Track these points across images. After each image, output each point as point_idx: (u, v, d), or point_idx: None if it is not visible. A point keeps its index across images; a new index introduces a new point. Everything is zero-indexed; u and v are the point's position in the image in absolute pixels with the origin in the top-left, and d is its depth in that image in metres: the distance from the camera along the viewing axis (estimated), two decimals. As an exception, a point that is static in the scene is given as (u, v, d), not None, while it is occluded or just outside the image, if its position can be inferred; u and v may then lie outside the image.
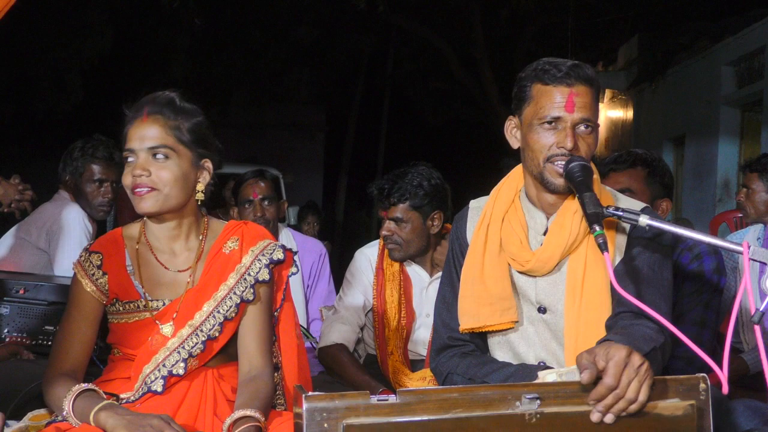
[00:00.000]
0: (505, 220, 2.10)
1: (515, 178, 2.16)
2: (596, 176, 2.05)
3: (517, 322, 2.08)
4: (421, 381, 2.94)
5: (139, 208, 2.01)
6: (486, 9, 12.59)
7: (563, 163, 1.96)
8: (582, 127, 1.99)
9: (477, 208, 2.20)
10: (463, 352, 2.13)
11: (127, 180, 2.01)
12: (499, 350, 2.11)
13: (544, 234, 2.07)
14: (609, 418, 1.56)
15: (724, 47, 9.20)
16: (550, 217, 2.07)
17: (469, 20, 12.73)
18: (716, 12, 10.15)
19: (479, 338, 2.14)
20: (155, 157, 1.99)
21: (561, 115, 1.97)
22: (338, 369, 3.01)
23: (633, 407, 1.56)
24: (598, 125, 2.04)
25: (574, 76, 1.98)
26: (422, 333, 3.06)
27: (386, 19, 12.93)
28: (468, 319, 2.09)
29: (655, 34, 11.25)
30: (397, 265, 3.15)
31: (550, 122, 1.98)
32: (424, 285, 3.13)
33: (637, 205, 2.09)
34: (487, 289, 2.07)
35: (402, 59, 15.96)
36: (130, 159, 2.01)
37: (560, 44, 11.93)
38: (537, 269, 2.04)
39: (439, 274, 2.77)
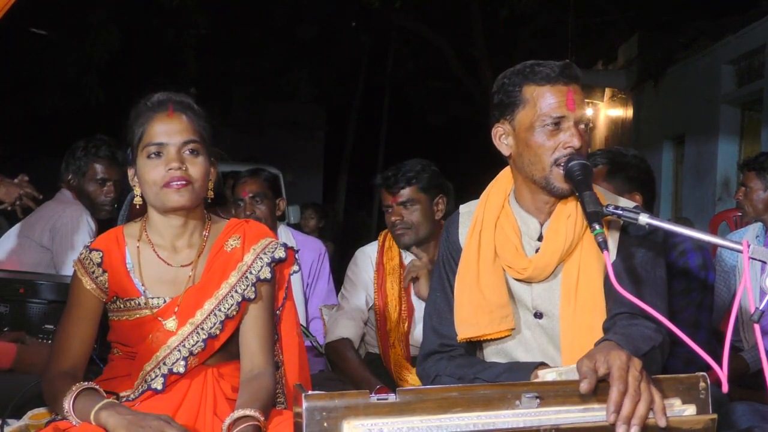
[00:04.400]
0: (497, 226, 2.07)
1: (503, 181, 2.13)
2: None
3: (513, 329, 2.05)
4: (421, 376, 2.98)
5: (171, 201, 1.98)
6: (486, 8, 12.59)
7: None
8: (582, 125, 1.98)
9: (467, 212, 2.17)
10: (451, 355, 2.09)
11: (156, 174, 1.97)
12: (496, 358, 2.08)
13: (538, 239, 2.05)
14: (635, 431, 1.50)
15: (724, 46, 9.20)
16: (544, 223, 2.05)
17: (469, 20, 12.73)
18: (716, 11, 10.14)
19: (474, 347, 2.11)
20: (186, 151, 1.99)
21: (565, 114, 1.95)
22: (341, 364, 3.06)
23: (656, 407, 1.53)
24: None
25: (569, 75, 1.98)
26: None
27: (386, 18, 12.94)
28: (467, 329, 2.06)
29: (655, 33, 11.26)
30: (396, 259, 3.18)
31: (554, 123, 1.96)
32: None
33: (630, 205, 2.07)
34: (484, 298, 2.04)
35: (402, 59, 15.96)
36: (156, 153, 1.98)
37: (560, 44, 11.93)
38: (534, 276, 2.02)
39: None
